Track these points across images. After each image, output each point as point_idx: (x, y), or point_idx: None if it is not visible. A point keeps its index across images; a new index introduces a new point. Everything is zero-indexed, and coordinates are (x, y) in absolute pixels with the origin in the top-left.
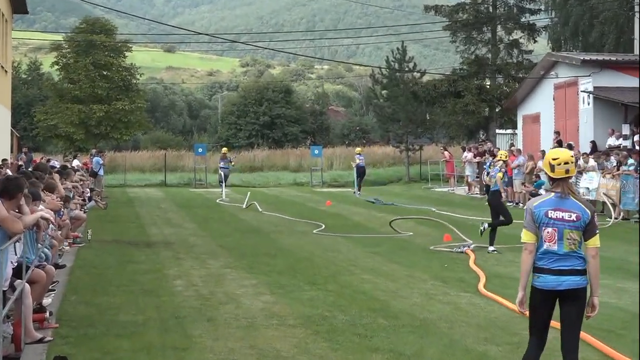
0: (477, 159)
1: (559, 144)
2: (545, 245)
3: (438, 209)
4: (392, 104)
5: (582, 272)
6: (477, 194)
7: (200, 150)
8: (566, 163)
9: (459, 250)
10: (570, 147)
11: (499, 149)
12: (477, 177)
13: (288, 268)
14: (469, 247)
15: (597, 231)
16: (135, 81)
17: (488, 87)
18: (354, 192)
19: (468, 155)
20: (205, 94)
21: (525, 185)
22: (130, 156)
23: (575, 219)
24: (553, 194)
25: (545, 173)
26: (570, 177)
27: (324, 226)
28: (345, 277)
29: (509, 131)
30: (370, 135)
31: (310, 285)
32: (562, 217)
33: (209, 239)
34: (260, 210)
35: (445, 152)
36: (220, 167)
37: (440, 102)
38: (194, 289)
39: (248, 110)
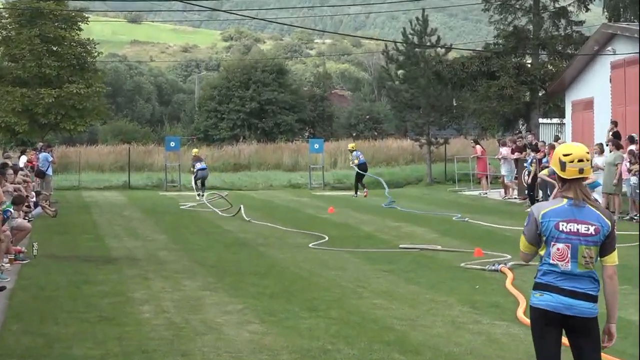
0: (516, 155)
1: (616, 136)
2: (554, 263)
3: (467, 216)
4: (410, 87)
5: (595, 299)
6: (515, 198)
7: (172, 144)
8: (580, 161)
9: (494, 268)
10: (631, 139)
11: (544, 142)
12: (516, 178)
13: (281, 290)
14: (505, 264)
15: (616, 246)
16: (92, 59)
17: (529, 66)
18: (354, 195)
19: (504, 150)
20: (179, 74)
21: None
22: (86, 152)
23: (593, 233)
24: (565, 200)
25: (554, 173)
26: (585, 179)
27: (326, 238)
28: (352, 302)
29: (555, 120)
30: (383, 126)
31: (308, 312)
32: (578, 230)
33: (183, 254)
34: (247, 218)
35: (477, 147)
36: (198, 170)
37: (470, 84)
38: (164, 317)
39: (232, 95)
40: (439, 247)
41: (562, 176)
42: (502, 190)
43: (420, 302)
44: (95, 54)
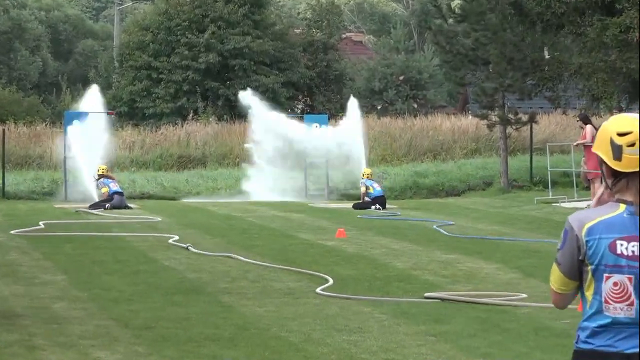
0: None
1: None
2: (609, 310)
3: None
4: (472, 28)
5: None
6: None
7: (76, 123)
8: None
9: None
10: None
11: None
12: None
13: None
14: None
15: None
16: None
17: None
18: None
19: (592, 131)
20: (85, 8)
21: None
22: None
23: None
24: (622, 206)
25: (602, 164)
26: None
27: (330, 281)
28: None
29: None
30: (427, 94)
31: None
32: None
33: (94, 307)
34: (187, 247)
35: (586, 128)
36: (114, 193)
37: (573, 24)
38: None
39: (175, 43)
40: (522, 296)
41: (615, 168)
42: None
43: None
44: None
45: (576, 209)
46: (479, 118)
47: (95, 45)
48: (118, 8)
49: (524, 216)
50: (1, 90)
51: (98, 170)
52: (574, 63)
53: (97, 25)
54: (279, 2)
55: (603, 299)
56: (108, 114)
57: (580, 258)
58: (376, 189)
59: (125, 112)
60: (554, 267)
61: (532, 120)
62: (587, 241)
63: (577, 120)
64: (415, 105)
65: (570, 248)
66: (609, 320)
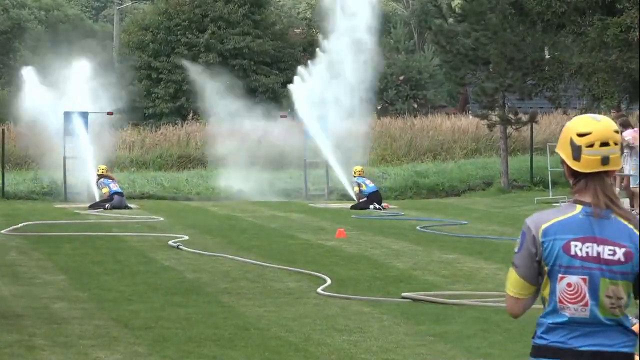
0: None
1: None
2: (564, 310)
3: None
4: (473, 28)
5: (630, 358)
6: None
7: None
8: (605, 144)
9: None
10: None
11: None
12: None
13: None
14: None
15: None
16: None
17: None
18: (378, 208)
19: (629, 134)
20: (85, 7)
21: None
22: None
23: (622, 259)
24: (579, 207)
25: (562, 163)
26: (611, 172)
27: (328, 281)
28: None
29: None
30: (427, 94)
31: None
32: (599, 254)
33: (94, 308)
34: (178, 246)
35: None
36: (114, 193)
37: (574, 24)
38: None
39: (176, 42)
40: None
41: (574, 168)
42: (627, 201)
43: None
44: None
45: None
46: (479, 118)
47: (95, 44)
48: (118, 8)
49: (524, 216)
50: (1, 90)
51: (98, 171)
52: (574, 63)
53: (97, 24)
54: (279, 2)
55: (557, 299)
56: (108, 114)
57: (537, 259)
58: (369, 185)
59: (124, 112)
60: (511, 271)
61: (532, 120)
62: (542, 242)
63: None
64: (415, 105)
65: (528, 250)
66: (565, 319)
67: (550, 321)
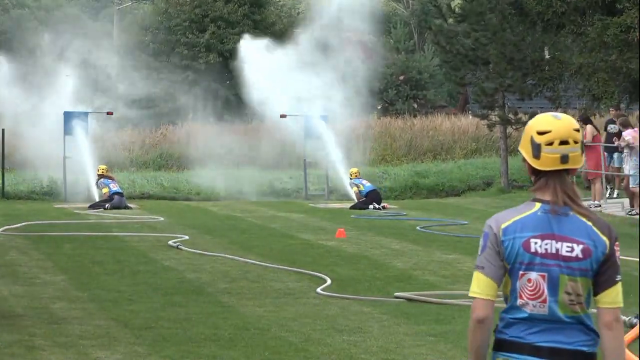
0: None
1: None
2: (524, 306)
3: None
4: (473, 28)
5: (588, 358)
6: None
7: (75, 123)
8: (564, 142)
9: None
10: None
11: None
12: None
13: None
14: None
15: (619, 278)
16: None
17: None
18: (378, 208)
19: (630, 134)
20: (84, 6)
21: None
22: None
23: (580, 256)
24: (538, 205)
25: (524, 161)
26: (572, 170)
27: (328, 281)
28: None
29: None
30: (427, 94)
31: None
32: (558, 251)
33: (94, 308)
34: (178, 246)
35: (587, 128)
36: (114, 193)
37: (573, 24)
38: None
39: (175, 42)
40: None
41: (534, 166)
42: (626, 201)
43: None
44: None
45: None
46: (479, 118)
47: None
48: (117, 8)
49: None
50: None
51: (98, 170)
52: (574, 63)
53: (96, 23)
54: (279, 1)
55: (518, 296)
56: (107, 114)
57: (501, 259)
58: (366, 185)
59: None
60: (476, 273)
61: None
62: (503, 241)
63: (578, 121)
64: (415, 105)
65: (493, 249)
66: (525, 314)
67: (510, 316)
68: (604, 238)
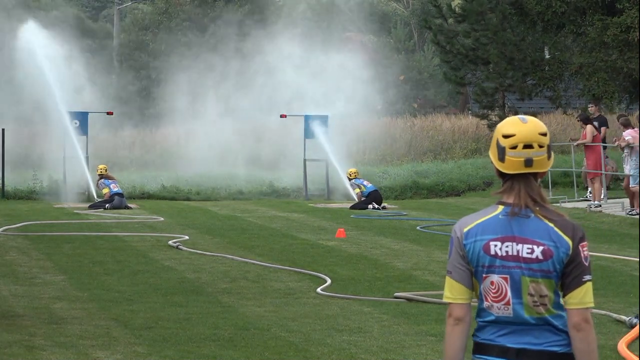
0: None
1: None
2: (488, 306)
3: None
4: (473, 27)
5: (561, 358)
6: None
7: (76, 123)
8: (528, 146)
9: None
10: None
11: None
12: None
13: None
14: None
15: (588, 278)
16: None
17: None
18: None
19: (630, 134)
20: (85, 6)
21: None
22: None
23: (541, 257)
24: (501, 208)
25: (492, 163)
26: (540, 174)
27: (328, 281)
28: None
29: None
30: (427, 94)
31: None
32: (518, 252)
33: (94, 307)
34: (177, 246)
35: (586, 128)
36: (114, 194)
37: (574, 24)
38: None
39: (175, 42)
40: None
41: (499, 169)
42: (626, 201)
43: None
44: None
45: (576, 208)
46: (479, 118)
47: (94, 45)
48: (117, 8)
49: None
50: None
51: (97, 170)
52: (574, 63)
53: (97, 24)
54: (279, 2)
55: (484, 298)
56: (108, 113)
57: (466, 262)
58: (367, 185)
59: (124, 112)
60: (447, 278)
61: None
62: (464, 245)
63: (578, 120)
64: (415, 105)
65: (458, 254)
66: (492, 317)
67: (480, 319)
68: (567, 239)
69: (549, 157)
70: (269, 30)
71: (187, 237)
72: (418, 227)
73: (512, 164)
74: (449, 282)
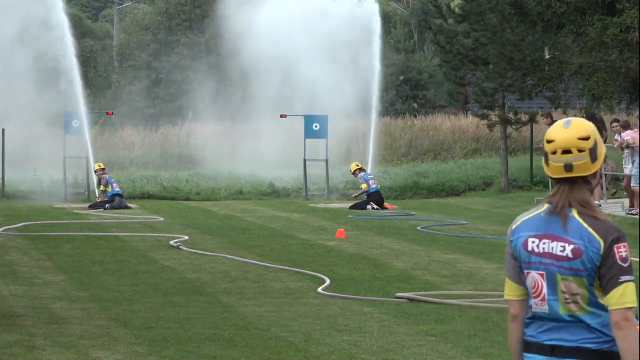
0: None
1: None
2: (532, 305)
3: None
4: (473, 27)
5: (595, 356)
6: None
7: (75, 124)
8: (567, 151)
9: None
10: None
11: None
12: None
13: None
14: None
15: (625, 279)
16: None
17: None
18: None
19: (629, 134)
20: (84, 6)
21: None
22: None
23: (570, 255)
24: (545, 206)
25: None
26: (587, 177)
27: (327, 281)
28: None
29: None
30: (427, 94)
31: None
32: (552, 250)
33: (94, 307)
34: (178, 246)
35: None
36: (114, 194)
37: (573, 24)
38: None
39: (175, 42)
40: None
41: (547, 173)
42: (627, 201)
43: None
44: None
45: None
46: (479, 118)
47: (94, 44)
48: (117, 8)
49: None
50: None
51: (95, 167)
52: (574, 63)
53: (96, 24)
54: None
55: (530, 295)
56: (107, 113)
57: (515, 259)
58: (372, 186)
59: (124, 112)
60: (505, 278)
61: (532, 120)
62: (511, 241)
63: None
64: (415, 105)
65: (509, 253)
66: (532, 314)
67: (527, 317)
68: (598, 239)
69: (593, 159)
70: None
71: (187, 237)
72: (418, 227)
73: (554, 169)
74: (506, 281)
